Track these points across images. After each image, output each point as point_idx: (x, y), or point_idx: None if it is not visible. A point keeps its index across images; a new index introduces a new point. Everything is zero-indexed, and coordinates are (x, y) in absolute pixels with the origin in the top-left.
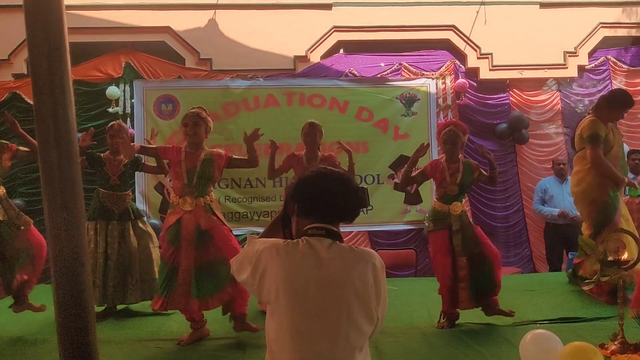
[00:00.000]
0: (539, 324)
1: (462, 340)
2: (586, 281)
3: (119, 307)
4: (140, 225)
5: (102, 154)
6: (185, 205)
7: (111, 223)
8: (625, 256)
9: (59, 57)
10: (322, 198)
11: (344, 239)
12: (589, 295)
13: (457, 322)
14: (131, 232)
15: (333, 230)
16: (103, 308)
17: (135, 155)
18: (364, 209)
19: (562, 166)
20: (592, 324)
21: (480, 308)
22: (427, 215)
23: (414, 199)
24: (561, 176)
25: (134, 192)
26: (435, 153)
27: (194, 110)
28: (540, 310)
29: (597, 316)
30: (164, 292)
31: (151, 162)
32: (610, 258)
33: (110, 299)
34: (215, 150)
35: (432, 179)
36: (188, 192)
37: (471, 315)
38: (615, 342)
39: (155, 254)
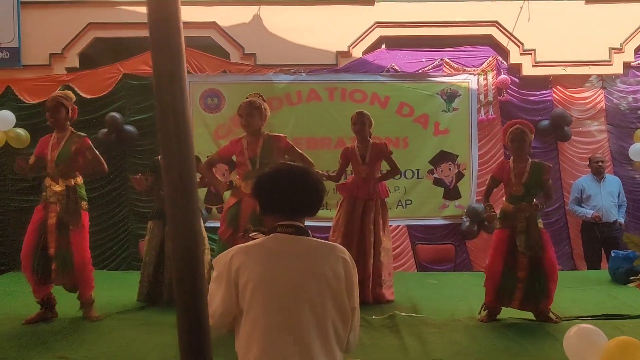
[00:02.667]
0: (582, 319)
1: (503, 334)
2: (631, 277)
3: None
4: None
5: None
6: (247, 189)
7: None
8: None
9: (177, 60)
10: (282, 195)
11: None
12: (633, 289)
13: (497, 317)
14: None
15: (300, 226)
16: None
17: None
18: (402, 203)
19: (600, 163)
20: (636, 322)
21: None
22: (465, 210)
23: (453, 194)
24: (598, 174)
25: None
26: (475, 148)
27: (247, 99)
28: (582, 306)
29: None
30: None
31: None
32: None
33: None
34: (274, 134)
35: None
36: (251, 176)
37: (511, 311)
38: None
39: (206, 255)
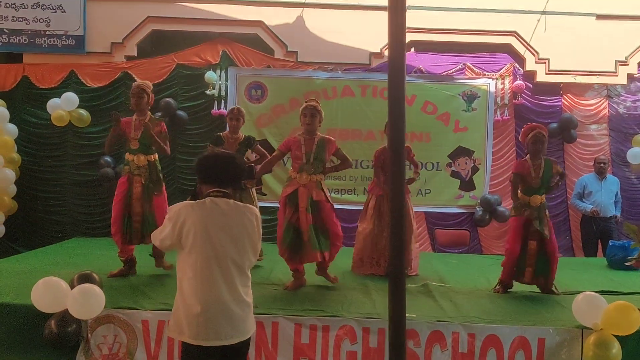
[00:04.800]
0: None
1: (521, 301)
2: (628, 257)
3: None
4: (249, 195)
5: (221, 134)
6: (301, 179)
7: None
8: None
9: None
10: (213, 169)
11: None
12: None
13: (509, 290)
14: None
15: (226, 192)
16: None
17: (247, 135)
18: (422, 191)
19: (602, 165)
20: (630, 297)
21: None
22: (479, 201)
23: (468, 186)
24: (601, 174)
25: None
26: (490, 145)
27: (311, 103)
28: (583, 284)
29: (634, 291)
30: (291, 247)
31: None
32: None
33: None
34: (326, 136)
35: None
36: (305, 169)
37: (520, 286)
38: None
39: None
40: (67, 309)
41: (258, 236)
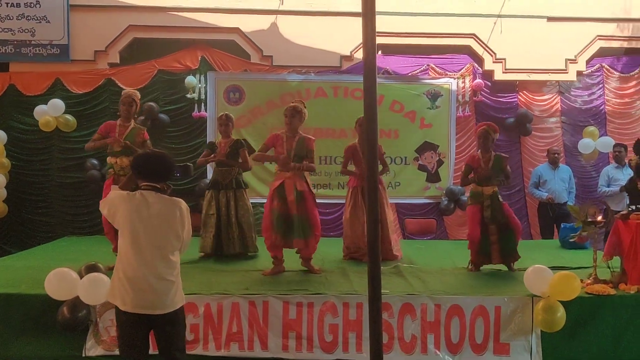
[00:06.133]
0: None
1: (481, 277)
2: (572, 234)
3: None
4: (243, 194)
5: (214, 140)
6: (286, 173)
7: (221, 192)
8: (599, 218)
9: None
10: (145, 167)
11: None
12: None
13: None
14: (233, 199)
15: (156, 186)
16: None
17: (237, 138)
18: (392, 184)
19: (556, 155)
20: (576, 271)
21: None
22: (444, 191)
23: (434, 178)
24: (554, 163)
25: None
26: (453, 140)
27: (292, 105)
28: (538, 262)
29: (580, 266)
30: (279, 234)
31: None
32: (589, 219)
33: (213, 248)
34: (307, 136)
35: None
36: (287, 165)
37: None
38: (590, 279)
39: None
40: (77, 296)
41: (182, 225)
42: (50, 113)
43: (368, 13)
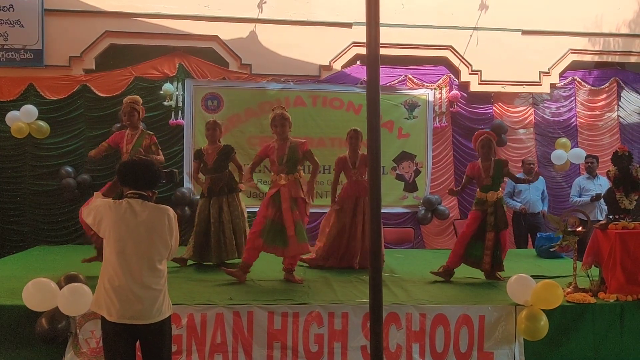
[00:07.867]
0: None
1: (464, 287)
2: (553, 244)
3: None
4: (235, 199)
5: (202, 148)
6: (281, 180)
7: (213, 199)
8: (579, 228)
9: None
10: (131, 174)
11: None
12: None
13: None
14: (226, 204)
15: (143, 194)
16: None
17: (225, 145)
18: None
19: (531, 166)
20: (556, 279)
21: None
22: (422, 201)
23: (411, 187)
24: (529, 174)
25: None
26: (430, 150)
27: (279, 112)
28: (516, 272)
29: (558, 275)
30: (268, 240)
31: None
32: (569, 229)
33: (200, 255)
34: (299, 140)
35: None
36: (282, 171)
37: (464, 273)
38: (570, 288)
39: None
40: (57, 307)
41: (170, 233)
42: (23, 119)
43: (372, 22)
